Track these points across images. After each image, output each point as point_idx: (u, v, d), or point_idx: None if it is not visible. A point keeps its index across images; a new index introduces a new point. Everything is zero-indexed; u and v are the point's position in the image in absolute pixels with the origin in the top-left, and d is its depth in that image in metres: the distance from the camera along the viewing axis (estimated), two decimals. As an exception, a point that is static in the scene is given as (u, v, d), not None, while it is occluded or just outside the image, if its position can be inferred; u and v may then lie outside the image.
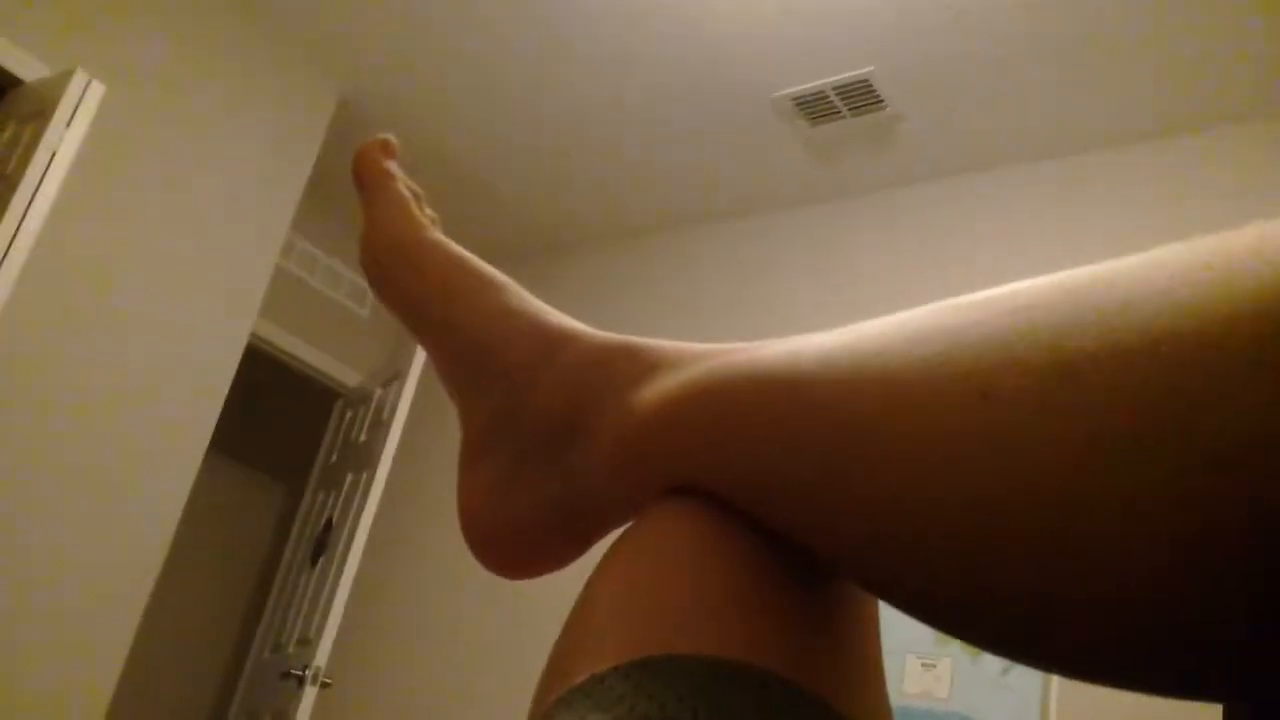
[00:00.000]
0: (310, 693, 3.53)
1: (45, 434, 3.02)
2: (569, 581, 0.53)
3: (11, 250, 2.82)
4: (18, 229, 2.84)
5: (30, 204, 2.86)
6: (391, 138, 0.63)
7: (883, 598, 0.34)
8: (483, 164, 4.20)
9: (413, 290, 0.57)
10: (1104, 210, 3.28)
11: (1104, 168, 3.34)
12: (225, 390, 3.46)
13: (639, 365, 0.45)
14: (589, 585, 0.40)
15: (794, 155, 3.75)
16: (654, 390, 0.43)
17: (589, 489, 0.47)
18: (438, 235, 0.59)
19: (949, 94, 3.34)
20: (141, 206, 3.29)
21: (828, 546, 0.34)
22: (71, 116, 2.97)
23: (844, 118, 3.51)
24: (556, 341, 0.51)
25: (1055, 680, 2.79)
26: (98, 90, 3.03)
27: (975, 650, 2.90)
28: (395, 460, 3.90)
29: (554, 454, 0.49)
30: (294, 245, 4.45)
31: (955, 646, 2.96)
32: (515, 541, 0.52)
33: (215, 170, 3.50)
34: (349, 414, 4.52)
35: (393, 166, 0.62)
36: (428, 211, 0.62)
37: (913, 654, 3.02)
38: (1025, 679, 2.84)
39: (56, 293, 3.06)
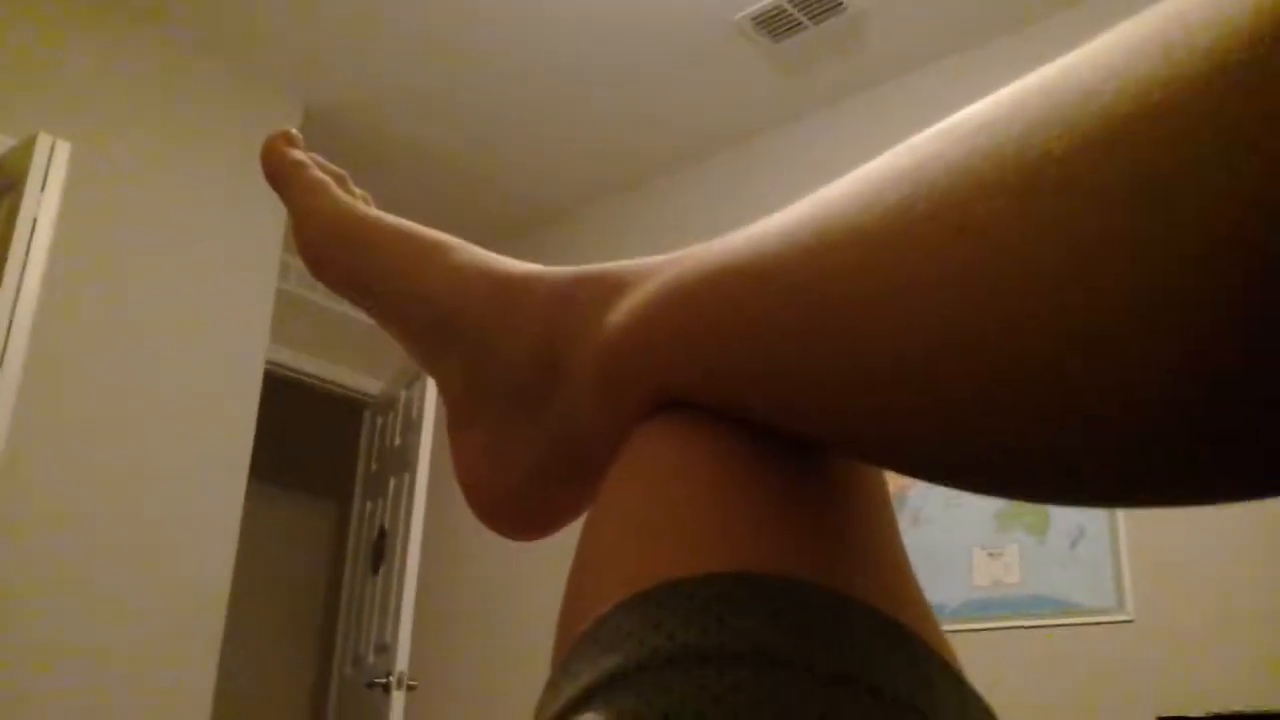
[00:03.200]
0: (399, 697, 3.58)
1: (85, 499, 3.04)
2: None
3: (14, 322, 2.83)
4: (15, 301, 2.84)
5: (23, 274, 2.86)
6: (293, 130, 0.62)
7: (890, 468, 0.32)
8: (459, 147, 4.16)
9: (357, 270, 0.55)
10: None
11: (1080, 26, 3.27)
12: (253, 421, 3.47)
13: (606, 288, 0.43)
14: (585, 526, 0.38)
15: (762, 76, 3.69)
16: (622, 309, 0.40)
17: (579, 428, 0.44)
18: (371, 210, 0.57)
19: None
20: (131, 257, 3.29)
21: (821, 428, 0.32)
22: (44, 181, 2.95)
23: (806, 28, 3.44)
24: (517, 288, 0.49)
25: (1124, 546, 2.78)
26: (64, 149, 3.02)
27: (1041, 532, 2.89)
28: (433, 456, 3.91)
29: (538, 403, 0.47)
30: (290, 265, 4.44)
31: (1019, 532, 2.95)
32: (521, 503, 0.50)
33: (197, 206, 3.49)
34: (379, 420, 4.54)
35: (300, 155, 0.60)
36: (356, 191, 0.60)
37: (978, 546, 3.01)
38: (1094, 549, 2.82)
39: (68, 356, 3.07)
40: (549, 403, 0.46)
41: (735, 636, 0.28)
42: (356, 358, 4.73)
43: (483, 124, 4.02)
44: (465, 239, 0.56)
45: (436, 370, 0.54)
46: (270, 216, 3.68)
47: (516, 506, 0.50)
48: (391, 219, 0.56)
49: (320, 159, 0.61)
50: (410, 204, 4.19)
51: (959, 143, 0.27)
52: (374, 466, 4.48)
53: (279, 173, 0.60)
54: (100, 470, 3.08)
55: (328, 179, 0.59)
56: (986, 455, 0.28)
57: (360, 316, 4.78)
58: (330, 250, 0.56)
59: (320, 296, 4.66)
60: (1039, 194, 0.24)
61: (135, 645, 3.05)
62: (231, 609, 3.39)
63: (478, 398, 0.51)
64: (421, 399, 3.97)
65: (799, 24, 3.42)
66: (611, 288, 0.42)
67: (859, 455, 0.33)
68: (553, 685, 0.32)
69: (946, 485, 0.31)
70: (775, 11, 3.38)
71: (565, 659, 0.32)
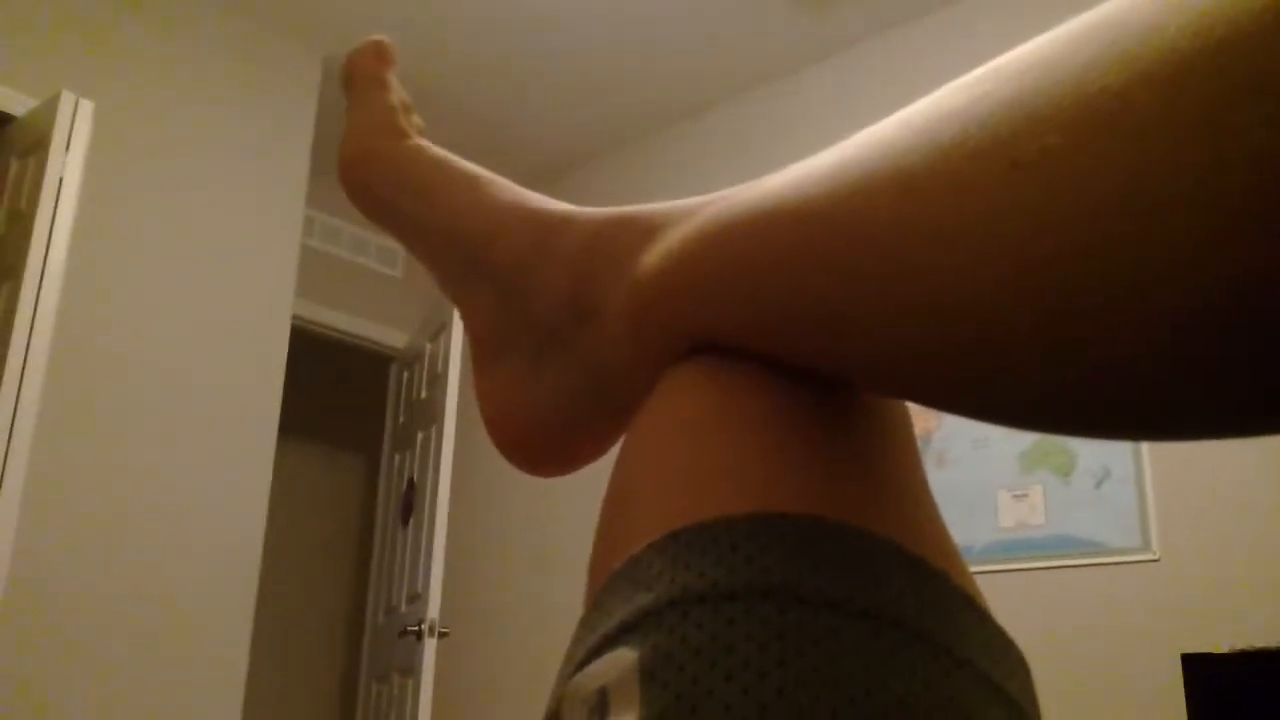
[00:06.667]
0: (430, 644, 3.64)
1: (114, 459, 3.09)
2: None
3: (44, 281, 2.86)
4: (45, 260, 2.87)
5: (51, 233, 2.88)
6: (387, 41, 0.62)
7: (925, 403, 0.32)
8: (479, 97, 4.15)
9: (393, 197, 0.55)
10: None
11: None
12: (281, 377, 3.51)
13: (639, 231, 0.43)
14: (615, 467, 0.39)
15: (780, 16, 3.65)
16: (656, 251, 0.40)
17: (609, 369, 0.45)
18: (419, 141, 0.57)
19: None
20: (157, 216, 3.31)
21: (856, 364, 0.33)
22: (69, 140, 2.97)
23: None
24: (552, 226, 0.49)
25: (1150, 486, 2.78)
26: (87, 108, 3.03)
27: (1065, 473, 2.89)
28: (459, 408, 3.94)
29: (568, 340, 0.47)
30: (314, 220, 4.46)
31: (1044, 473, 2.95)
32: (545, 438, 0.50)
33: (219, 163, 3.50)
34: (406, 374, 4.57)
35: (385, 75, 0.60)
36: (415, 120, 0.60)
37: (1002, 489, 3.01)
38: (1119, 489, 2.82)
39: (97, 317, 3.10)
40: (577, 341, 0.47)
41: (762, 574, 0.29)
42: (382, 312, 4.76)
43: (501, 73, 4.00)
44: (491, 183, 0.55)
45: (464, 302, 0.54)
46: (294, 171, 3.69)
47: (538, 441, 0.50)
48: (435, 150, 0.56)
49: (396, 84, 0.61)
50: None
51: (1010, 80, 0.27)
52: (402, 419, 4.52)
53: (358, 82, 0.60)
54: (129, 431, 3.12)
55: (398, 106, 0.59)
56: (1031, 389, 0.28)
57: (384, 270, 4.80)
58: (370, 173, 0.56)
59: (344, 251, 4.67)
60: (1095, 129, 0.24)
61: (170, 603, 3.11)
62: (265, 565, 3.45)
63: (505, 333, 0.51)
64: (447, 352, 3.99)
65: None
66: (645, 230, 0.42)
67: (894, 391, 0.34)
68: (586, 622, 0.33)
69: (979, 418, 0.31)
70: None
71: (598, 596, 0.33)
